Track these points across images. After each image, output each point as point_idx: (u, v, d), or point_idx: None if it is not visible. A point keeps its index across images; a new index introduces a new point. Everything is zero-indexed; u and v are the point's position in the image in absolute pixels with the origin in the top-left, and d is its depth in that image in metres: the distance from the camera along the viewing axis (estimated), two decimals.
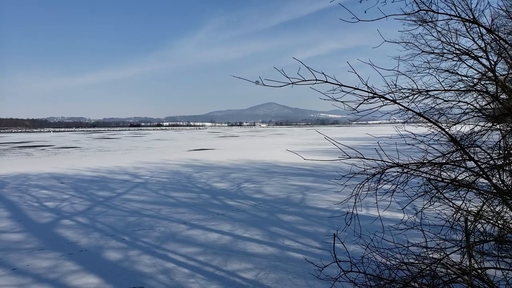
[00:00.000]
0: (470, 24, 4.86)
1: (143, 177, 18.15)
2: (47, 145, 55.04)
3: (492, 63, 5.13)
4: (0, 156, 35.24)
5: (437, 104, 5.15)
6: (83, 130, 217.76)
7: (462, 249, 3.97)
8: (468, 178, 4.14)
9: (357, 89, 3.32)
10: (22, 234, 8.93)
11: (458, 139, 4.79)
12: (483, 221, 4.19)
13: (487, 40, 4.79)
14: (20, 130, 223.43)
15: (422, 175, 3.67)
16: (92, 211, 11.18)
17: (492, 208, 4.30)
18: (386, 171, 3.60)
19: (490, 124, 5.44)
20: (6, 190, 15.45)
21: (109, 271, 6.50)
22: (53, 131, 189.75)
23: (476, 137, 5.55)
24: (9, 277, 6.39)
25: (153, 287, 5.83)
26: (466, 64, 5.77)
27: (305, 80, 3.25)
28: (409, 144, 4.31)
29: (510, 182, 3.90)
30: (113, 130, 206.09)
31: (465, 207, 4.28)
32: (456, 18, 3.90)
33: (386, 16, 3.58)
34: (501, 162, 4.00)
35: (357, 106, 3.46)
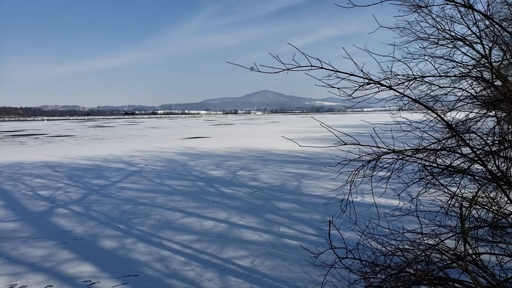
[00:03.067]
0: (466, 9, 4.81)
1: (138, 165, 18.09)
2: (41, 133, 54.59)
3: (487, 49, 5.10)
4: None
5: (432, 91, 5.13)
6: (77, 119, 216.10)
7: (457, 235, 3.98)
8: (463, 164, 4.14)
9: (353, 75, 3.28)
10: (16, 223, 8.89)
11: (454, 125, 4.79)
12: (477, 207, 4.20)
13: (482, 26, 4.75)
14: (13, 119, 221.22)
15: (418, 162, 3.66)
16: (87, 199, 11.14)
17: (487, 194, 4.31)
18: (382, 157, 3.58)
19: (485, 111, 5.43)
20: None
21: (104, 259, 6.50)
22: (46, 120, 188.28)
23: (471, 123, 5.56)
24: (3, 266, 6.36)
25: (149, 275, 5.84)
26: (461, 51, 5.75)
27: (300, 66, 3.20)
28: (404, 131, 4.30)
29: (505, 168, 3.90)
30: (107, 119, 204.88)
31: (460, 193, 4.29)
32: (451, 3, 3.84)
33: (382, 1, 3.52)
34: (496, 148, 3.99)
35: (353, 92, 3.42)
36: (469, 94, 5.11)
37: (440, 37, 5.66)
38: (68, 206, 10.41)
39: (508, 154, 3.92)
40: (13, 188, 13.25)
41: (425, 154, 3.72)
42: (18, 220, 9.14)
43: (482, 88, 5.40)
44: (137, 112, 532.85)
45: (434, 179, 4.12)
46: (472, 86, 5.46)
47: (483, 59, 5.51)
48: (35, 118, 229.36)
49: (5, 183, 14.39)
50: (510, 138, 4.23)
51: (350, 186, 3.69)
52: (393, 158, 3.59)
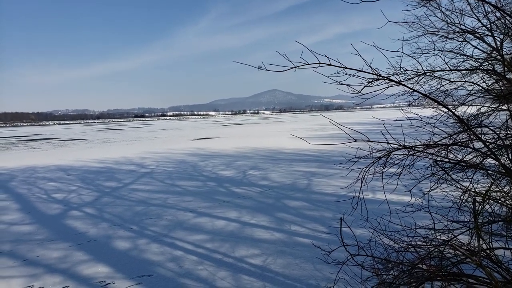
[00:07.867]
0: (476, 2, 4.76)
1: (149, 167, 18.23)
2: (53, 137, 55.36)
3: (498, 42, 5.03)
4: (7, 149, 35.53)
5: (443, 85, 5.07)
6: (88, 122, 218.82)
7: (470, 230, 3.94)
8: (475, 158, 4.10)
9: (361, 71, 3.27)
10: (32, 226, 9.04)
11: (465, 120, 4.74)
12: (491, 201, 4.16)
13: (493, 19, 4.69)
14: (25, 124, 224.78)
15: (429, 157, 3.62)
16: (100, 201, 11.28)
17: (500, 188, 4.26)
18: (392, 153, 3.56)
19: (497, 104, 5.36)
20: (14, 183, 15.61)
21: (119, 260, 6.58)
22: (58, 124, 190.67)
23: (483, 117, 5.48)
24: (20, 268, 6.49)
25: (162, 274, 5.90)
26: (471, 44, 5.67)
27: (308, 64, 3.20)
28: (415, 126, 4.26)
29: None
30: (117, 121, 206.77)
31: (473, 188, 4.24)
32: None
33: None
34: (509, 142, 3.94)
35: (362, 89, 3.41)
36: (480, 88, 5.04)
37: (450, 31, 5.59)
38: (81, 208, 10.55)
39: None
40: (27, 192, 13.47)
41: (436, 150, 3.69)
42: (33, 223, 9.30)
43: (494, 81, 5.32)
44: (146, 114, 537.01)
45: (446, 174, 4.08)
46: (484, 80, 5.38)
47: (495, 52, 5.43)
48: (47, 123, 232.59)
49: (20, 187, 14.64)
50: None
51: (361, 183, 3.67)
52: (404, 154, 3.56)
